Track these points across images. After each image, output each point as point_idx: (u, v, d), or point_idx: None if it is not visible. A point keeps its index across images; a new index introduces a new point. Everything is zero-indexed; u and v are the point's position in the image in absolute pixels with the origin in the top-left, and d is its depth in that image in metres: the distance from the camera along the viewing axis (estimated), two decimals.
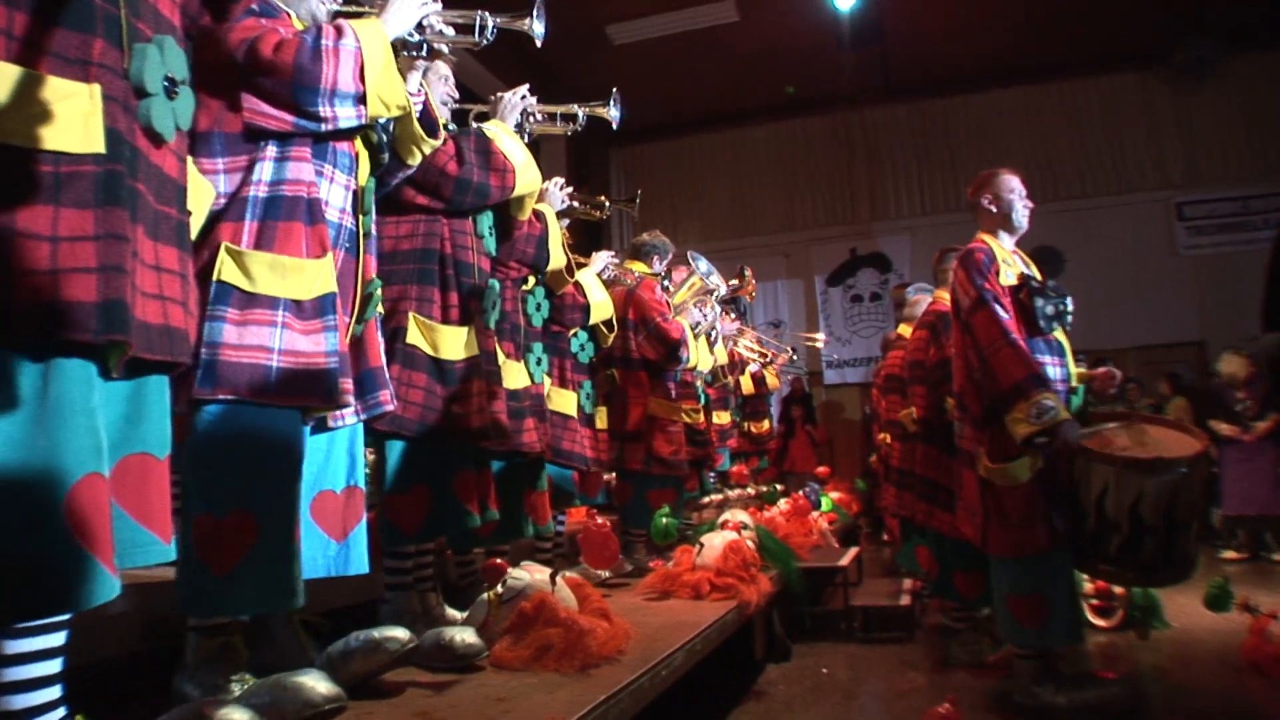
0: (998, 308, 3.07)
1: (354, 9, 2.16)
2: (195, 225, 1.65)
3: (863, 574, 5.79)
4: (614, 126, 3.19)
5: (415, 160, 2.34)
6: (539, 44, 2.42)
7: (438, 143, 2.34)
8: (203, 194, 1.73)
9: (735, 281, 7.10)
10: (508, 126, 2.80)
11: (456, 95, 2.82)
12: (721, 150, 12.20)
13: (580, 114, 3.09)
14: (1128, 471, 2.90)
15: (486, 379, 2.64)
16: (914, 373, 4.17)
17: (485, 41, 2.28)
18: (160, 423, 1.38)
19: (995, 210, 3.35)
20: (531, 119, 3.01)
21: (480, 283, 2.68)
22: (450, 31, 2.23)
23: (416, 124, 2.24)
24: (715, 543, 3.74)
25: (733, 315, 7.27)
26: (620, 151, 12.33)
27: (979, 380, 3.12)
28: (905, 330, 4.91)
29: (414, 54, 2.22)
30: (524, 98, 2.89)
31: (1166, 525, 2.90)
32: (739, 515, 4.38)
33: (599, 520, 3.46)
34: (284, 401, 1.79)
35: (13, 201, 1.11)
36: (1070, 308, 3.22)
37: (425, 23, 2.16)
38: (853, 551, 5.35)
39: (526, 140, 2.91)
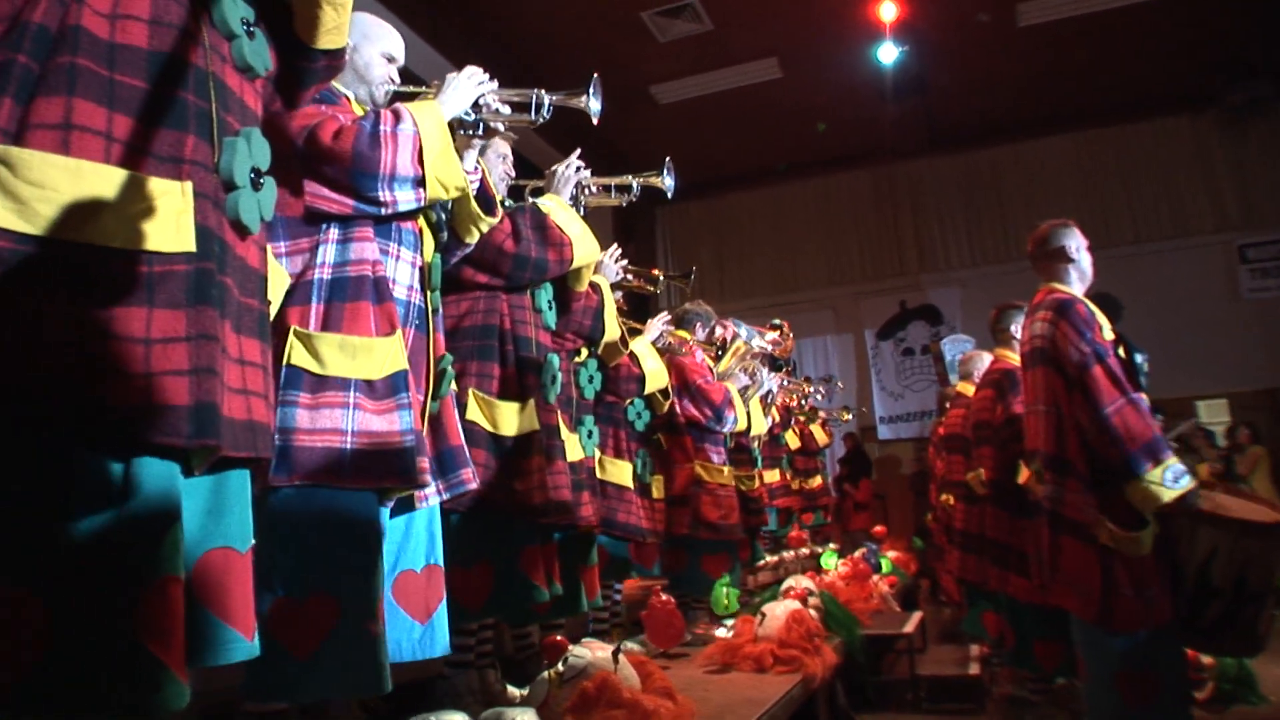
0: (1112, 364, 2.92)
1: (411, 89, 2.19)
2: (272, 313, 1.66)
3: (926, 640, 5.58)
4: (668, 195, 3.15)
5: (473, 239, 2.35)
6: (595, 121, 2.41)
7: (495, 220, 2.35)
8: (279, 282, 1.75)
9: (775, 335, 6.99)
10: (562, 200, 2.80)
11: (514, 174, 2.83)
12: (767, 206, 12.19)
13: (635, 185, 3.07)
14: (1244, 537, 2.77)
15: (546, 454, 2.60)
16: (980, 433, 4.03)
17: (542, 119, 2.27)
18: (242, 516, 1.37)
19: (1075, 260, 3.23)
20: (586, 191, 3.01)
21: (539, 357, 2.66)
22: (506, 110, 2.23)
23: (474, 203, 2.24)
24: (778, 612, 3.62)
25: (784, 368, 7.15)
26: (666, 209, 12.39)
27: (1092, 442, 2.92)
28: (965, 388, 4.78)
29: (470, 133, 2.22)
30: (578, 170, 2.88)
31: (1267, 594, 2.77)
32: (803, 582, 4.24)
33: (663, 597, 3.35)
34: (360, 484, 1.77)
35: (110, 302, 1.12)
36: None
37: (481, 101, 2.17)
38: (916, 616, 5.17)
39: (582, 213, 2.90)
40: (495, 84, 2.19)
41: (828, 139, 10.97)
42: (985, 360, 4.69)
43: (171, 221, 1.19)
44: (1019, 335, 3.88)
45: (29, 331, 1.07)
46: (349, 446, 1.74)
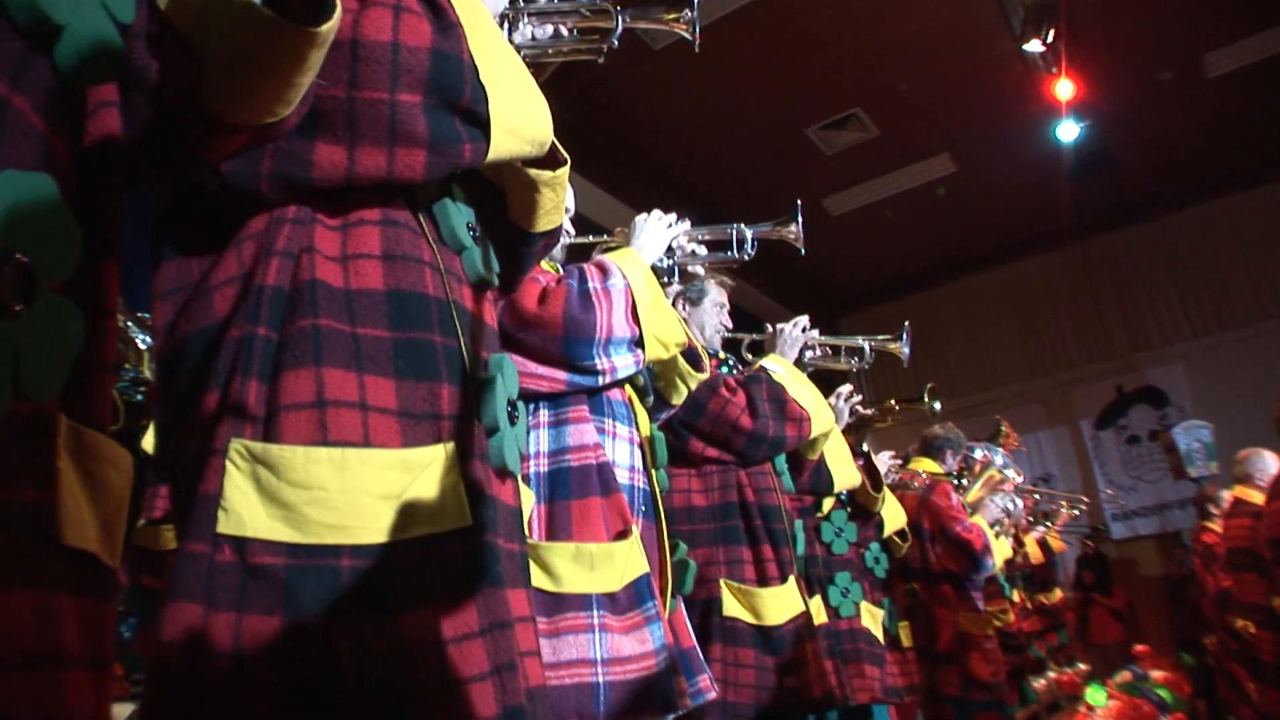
0: None
1: (593, 240, 2.02)
2: None
3: None
4: (904, 364, 2.94)
5: (679, 399, 2.08)
6: (803, 251, 2.24)
7: (703, 377, 2.09)
8: (527, 505, 1.54)
9: (1002, 442, 6.49)
10: (790, 364, 2.62)
11: (731, 325, 2.67)
12: (954, 302, 11.59)
13: (867, 348, 2.85)
14: None
15: (815, 637, 2.33)
16: None
17: (746, 257, 2.07)
18: None
19: None
20: (813, 353, 2.82)
21: (789, 527, 2.43)
22: (702, 251, 2.04)
23: (682, 359, 1.99)
24: None
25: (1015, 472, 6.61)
26: (849, 319, 12.04)
27: None
28: (1246, 493, 4.18)
29: (665, 280, 2.01)
30: (805, 330, 2.71)
31: None
32: None
33: None
34: None
35: (397, 606, 0.93)
36: None
37: (674, 244, 1.98)
38: None
39: (809, 372, 2.71)
40: (686, 223, 1.98)
41: (1011, 225, 10.44)
42: (1267, 461, 4.11)
43: (444, 495, 1.00)
44: None
45: (322, 668, 0.88)
46: (602, 679, 1.49)
